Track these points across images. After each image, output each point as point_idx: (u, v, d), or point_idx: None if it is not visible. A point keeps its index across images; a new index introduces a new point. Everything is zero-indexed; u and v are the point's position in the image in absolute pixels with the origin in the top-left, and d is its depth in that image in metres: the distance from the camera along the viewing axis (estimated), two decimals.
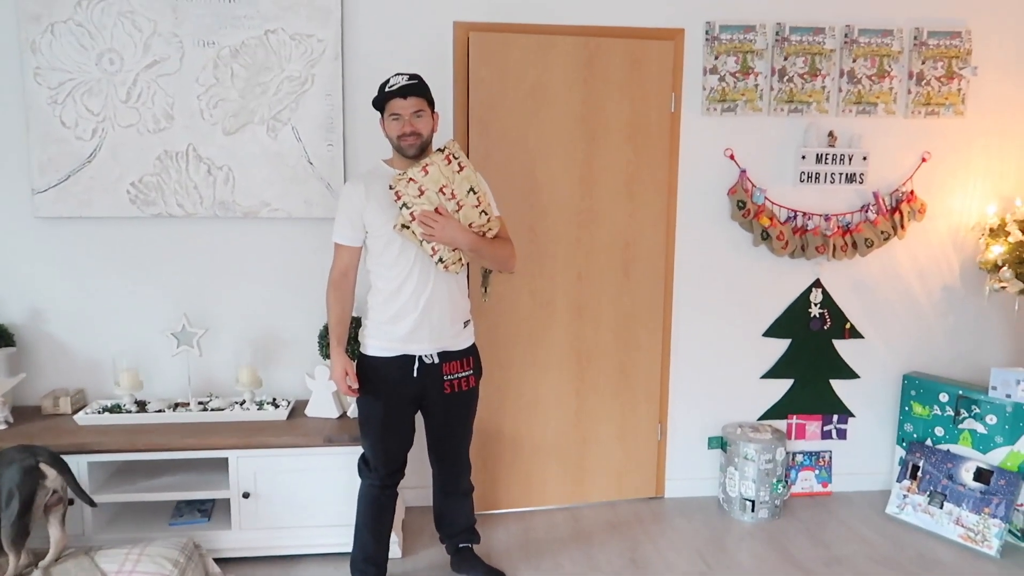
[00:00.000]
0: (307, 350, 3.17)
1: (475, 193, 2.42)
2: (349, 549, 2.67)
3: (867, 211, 3.37)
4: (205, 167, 3.04)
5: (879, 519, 3.31)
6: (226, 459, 2.80)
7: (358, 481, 2.62)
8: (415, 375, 2.48)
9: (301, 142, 3.06)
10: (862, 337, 3.50)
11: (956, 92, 3.34)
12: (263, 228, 3.14)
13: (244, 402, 3.01)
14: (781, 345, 3.47)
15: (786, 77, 3.25)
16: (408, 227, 2.36)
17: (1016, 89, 3.40)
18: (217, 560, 2.71)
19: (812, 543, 3.10)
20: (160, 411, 2.94)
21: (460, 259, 2.45)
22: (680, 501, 3.47)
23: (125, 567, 2.37)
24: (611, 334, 3.32)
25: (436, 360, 2.50)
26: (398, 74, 2.44)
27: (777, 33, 3.23)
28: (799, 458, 3.53)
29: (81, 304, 3.11)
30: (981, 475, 3.09)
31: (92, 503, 2.55)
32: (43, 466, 2.37)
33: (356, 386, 2.48)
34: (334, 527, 2.84)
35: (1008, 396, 3.08)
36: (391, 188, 2.36)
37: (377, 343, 2.49)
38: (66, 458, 2.48)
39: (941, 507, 3.17)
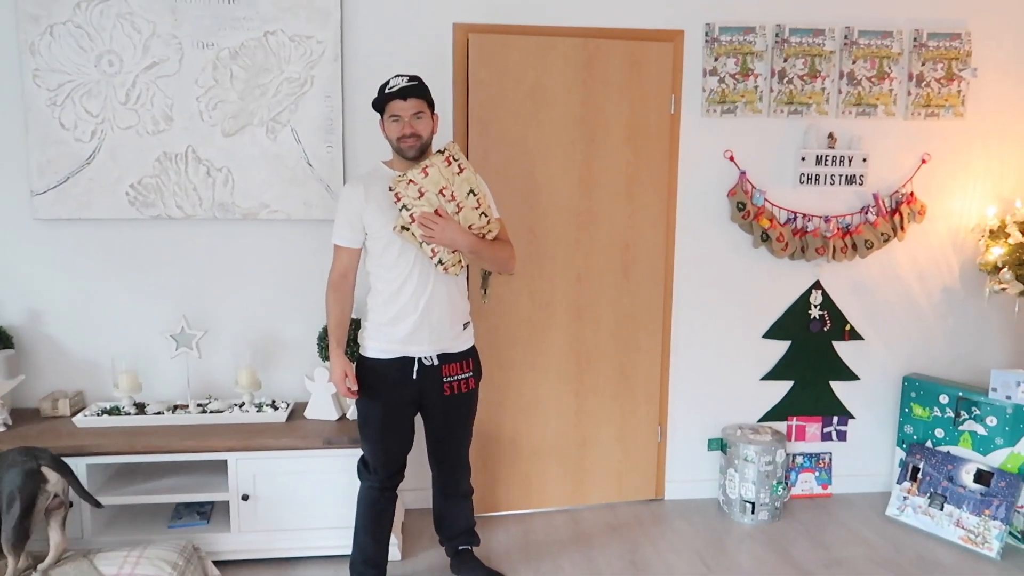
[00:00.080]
0: (306, 352, 3.17)
1: (475, 195, 2.41)
2: (349, 551, 2.67)
3: (867, 213, 3.37)
4: (204, 169, 3.03)
5: (879, 521, 3.31)
6: (225, 461, 2.79)
7: (357, 483, 2.62)
8: (414, 377, 2.48)
9: (300, 144, 3.06)
10: (862, 339, 3.49)
11: (956, 94, 3.34)
12: (262, 230, 3.14)
13: (243, 404, 3.01)
14: (781, 347, 3.47)
15: (786, 79, 3.25)
16: (408, 229, 2.36)
17: (1016, 90, 3.40)
18: (216, 563, 2.71)
19: (812, 545, 3.10)
20: (159, 413, 2.94)
21: (460, 261, 2.45)
22: (680, 503, 3.47)
23: (124, 570, 2.36)
24: (611, 335, 3.32)
25: (435, 362, 2.50)
26: (398, 75, 2.44)
27: (777, 35, 3.23)
28: (799, 460, 3.53)
29: (80, 306, 3.10)
30: (981, 477, 3.09)
31: (97, 504, 2.55)
32: (45, 469, 2.36)
33: (355, 388, 2.48)
34: (333, 529, 2.84)
35: (1008, 398, 3.08)
36: (391, 190, 2.36)
37: (376, 345, 2.48)
38: (65, 460, 2.48)
39: (941, 509, 3.16)
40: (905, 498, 3.30)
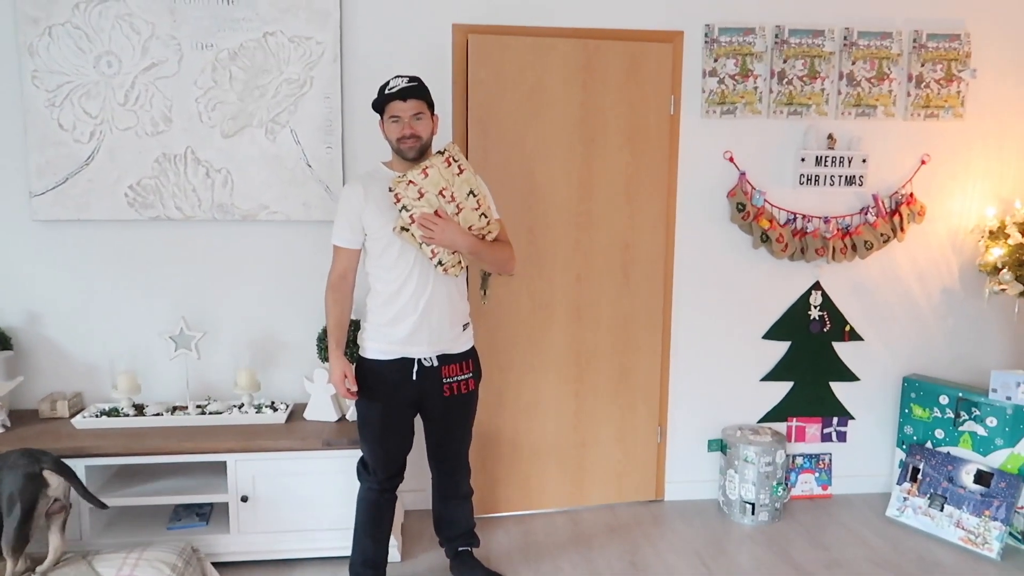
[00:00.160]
0: (306, 353, 3.17)
1: (475, 196, 2.41)
2: (348, 553, 2.67)
3: (867, 213, 3.36)
4: (203, 170, 3.03)
5: (879, 522, 3.30)
6: (224, 463, 2.78)
7: (357, 484, 2.62)
8: (414, 378, 2.47)
9: (300, 144, 3.05)
10: (862, 339, 3.49)
11: (955, 94, 3.34)
12: (261, 231, 3.13)
13: (242, 405, 3.00)
14: (781, 347, 3.47)
15: (785, 79, 3.25)
16: (407, 229, 2.36)
17: (1015, 91, 3.40)
18: (215, 564, 2.70)
19: (812, 546, 3.10)
20: (158, 414, 2.93)
21: (459, 262, 2.45)
22: (680, 504, 3.46)
23: (123, 571, 2.36)
24: (610, 336, 3.31)
25: (435, 363, 2.49)
26: (398, 76, 2.44)
27: (776, 35, 3.23)
28: (799, 461, 3.52)
29: (79, 307, 3.10)
30: (981, 477, 3.09)
31: (103, 505, 2.54)
32: (47, 473, 2.35)
33: (355, 389, 2.47)
34: (333, 531, 2.83)
35: (1008, 398, 3.07)
36: (390, 190, 2.35)
37: (376, 346, 2.48)
38: (66, 463, 2.47)
39: (941, 510, 3.16)
40: (905, 499, 3.30)
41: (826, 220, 3.34)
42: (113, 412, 2.94)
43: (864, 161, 3.33)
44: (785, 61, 3.23)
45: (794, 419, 3.52)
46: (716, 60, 3.21)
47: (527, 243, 3.13)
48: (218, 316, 3.14)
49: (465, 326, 2.57)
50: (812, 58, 3.24)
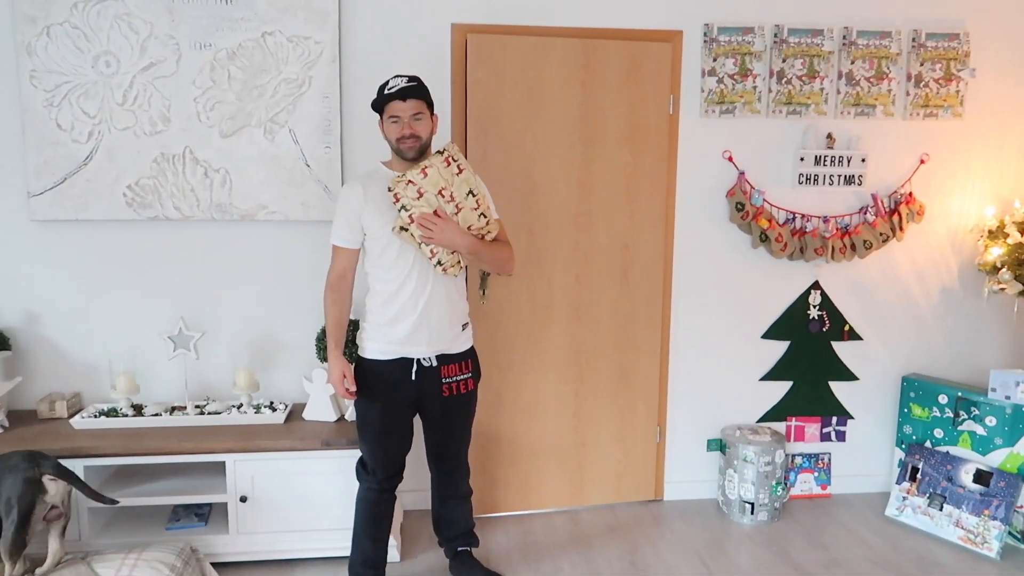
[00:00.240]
0: (305, 353, 3.16)
1: (474, 196, 2.41)
2: (347, 553, 2.66)
3: (866, 213, 3.36)
4: (202, 170, 3.02)
5: (878, 521, 3.30)
6: (223, 463, 2.78)
7: (356, 485, 2.61)
8: (413, 378, 2.47)
9: (298, 144, 3.05)
10: (861, 339, 3.49)
11: (954, 94, 3.34)
12: (260, 231, 3.13)
13: (241, 405, 3.00)
14: (780, 347, 3.47)
15: (784, 79, 3.25)
16: (407, 229, 2.35)
17: (1014, 90, 3.40)
18: (215, 564, 2.70)
19: (811, 545, 3.10)
20: (157, 415, 2.93)
21: (459, 262, 2.44)
22: (679, 504, 3.46)
23: (122, 573, 2.35)
24: (610, 336, 3.31)
25: (434, 363, 2.49)
26: (397, 76, 2.43)
27: (775, 35, 3.23)
28: (798, 460, 3.52)
29: (77, 307, 3.09)
30: (981, 477, 3.09)
31: (113, 501, 2.55)
32: (46, 479, 2.33)
33: (354, 389, 2.47)
34: (332, 531, 2.83)
35: (1007, 398, 3.07)
36: (390, 190, 2.35)
37: (375, 346, 2.48)
38: (62, 462, 2.46)
39: (941, 509, 3.16)
40: (904, 498, 3.30)
41: (825, 219, 3.34)
42: (112, 412, 2.94)
43: (863, 160, 3.33)
44: (784, 60, 3.23)
45: (793, 419, 3.52)
46: (715, 59, 3.21)
47: (526, 243, 3.13)
48: (217, 316, 3.14)
49: (464, 326, 2.57)
50: (811, 57, 3.24)
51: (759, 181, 3.32)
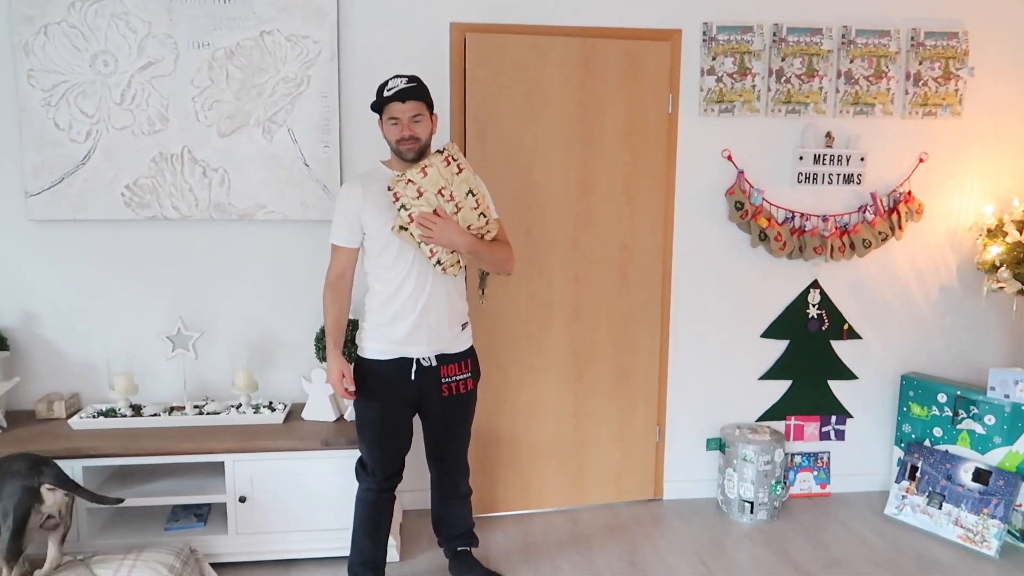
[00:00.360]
0: (304, 353, 3.16)
1: (474, 195, 2.40)
2: (347, 553, 2.66)
3: (865, 212, 3.37)
4: (200, 169, 3.02)
5: (878, 520, 3.31)
6: (222, 463, 2.77)
7: (355, 485, 2.61)
8: (412, 378, 2.47)
9: (297, 144, 3.04)
10: (860, 338, 3.49)
11: (953, 93, 3.34)
12: (259, 230, 3.12)
13: (240, 406, 2.99)
14: (779, 346, 3.47)
15: (783, 78, 3.25)
16: (406, 229, 2.35)
17: (1013, 90, 3.40)
18: (214, 565, 2.70)
19: (811, 544, 3.10)
20: (155, 415, 2.92)
21: (458, 261, 2.44)
22: (678, 503, 3.46)
23: (120, 573, 2.35)
24: (609, 336, 3.31)
25: (434, 363, 2.49)
26: (397, 76, 2.42)
27: (774, 34, 3.22)
28: (797, 459, 3.52)
29: (75, 307, 3.08)
30: (980, 475, 3.09)
31: (118, 500, 2.54)
32: (44, 490, 2.31)
33: (353, 389, 2.47)
34: (331, 531, 2.82)
35: (1006, 396, 3.08)
36: (389, 189, 2.35)
37: (374, 345, 2.47)
38: (61, 463, 2.46)
39: (940, 508, 3.16)
40: (904, 497, 3.30)
41: (824, 218, 3.34)
42: (110, 413, 2.93)
43: (862, 159, 3.33)
44: (783, 59, 3.23)
45: (793, 418, 3.52)
46: (714, 58, 3.21)
47: (526, 243, 3.13)
48: (216, 316, 3.13)
49: (464, 326, 2.57)
50: (810, 56, 3.24)
51: (758, 180, 3.32)
